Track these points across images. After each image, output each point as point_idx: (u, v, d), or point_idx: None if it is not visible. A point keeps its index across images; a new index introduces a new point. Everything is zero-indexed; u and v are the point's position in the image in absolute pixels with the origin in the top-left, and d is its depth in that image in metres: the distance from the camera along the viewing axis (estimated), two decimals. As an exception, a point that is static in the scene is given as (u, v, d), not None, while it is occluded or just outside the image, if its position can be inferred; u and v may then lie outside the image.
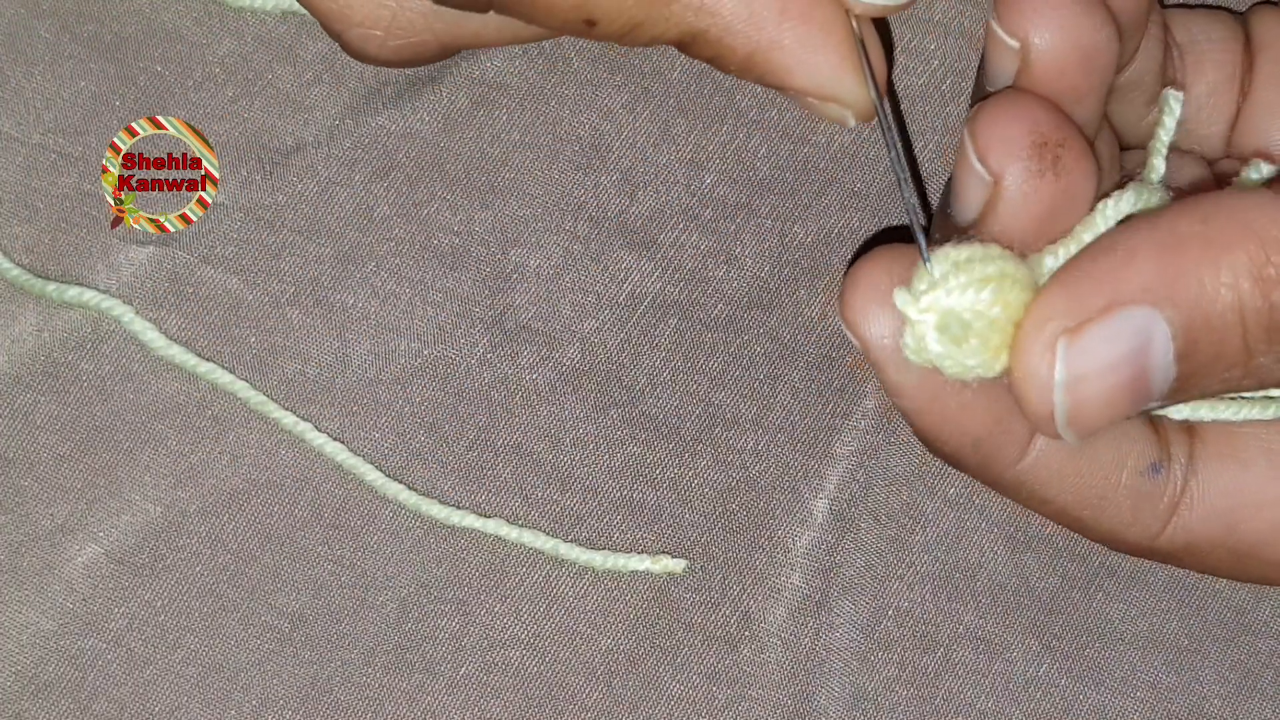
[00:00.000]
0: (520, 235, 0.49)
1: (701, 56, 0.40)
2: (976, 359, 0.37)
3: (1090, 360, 0.36)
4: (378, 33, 0.42)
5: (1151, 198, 0.38)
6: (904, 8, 0.38)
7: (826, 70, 0.39)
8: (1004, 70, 0.39)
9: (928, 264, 0.37)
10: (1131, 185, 0.39)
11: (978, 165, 0.38)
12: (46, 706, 0.48)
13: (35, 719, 0.48)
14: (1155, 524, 0.41)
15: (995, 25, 0.39)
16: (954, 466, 0.42)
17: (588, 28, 0.39)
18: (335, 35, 0.42)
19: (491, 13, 0.39)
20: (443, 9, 0.40)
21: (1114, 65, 0.40)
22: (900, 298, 0.37)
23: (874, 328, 0.39)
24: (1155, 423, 0.41)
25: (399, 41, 0.42)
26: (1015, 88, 0.39)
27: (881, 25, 0.48)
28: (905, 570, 0.49)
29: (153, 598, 0.48)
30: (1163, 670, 0.49)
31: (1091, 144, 0.39)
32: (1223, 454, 0.41)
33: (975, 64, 0.48)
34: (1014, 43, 0.39)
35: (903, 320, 0.37)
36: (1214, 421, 0.41)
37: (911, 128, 0.49)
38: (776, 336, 0.49)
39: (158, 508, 0.48)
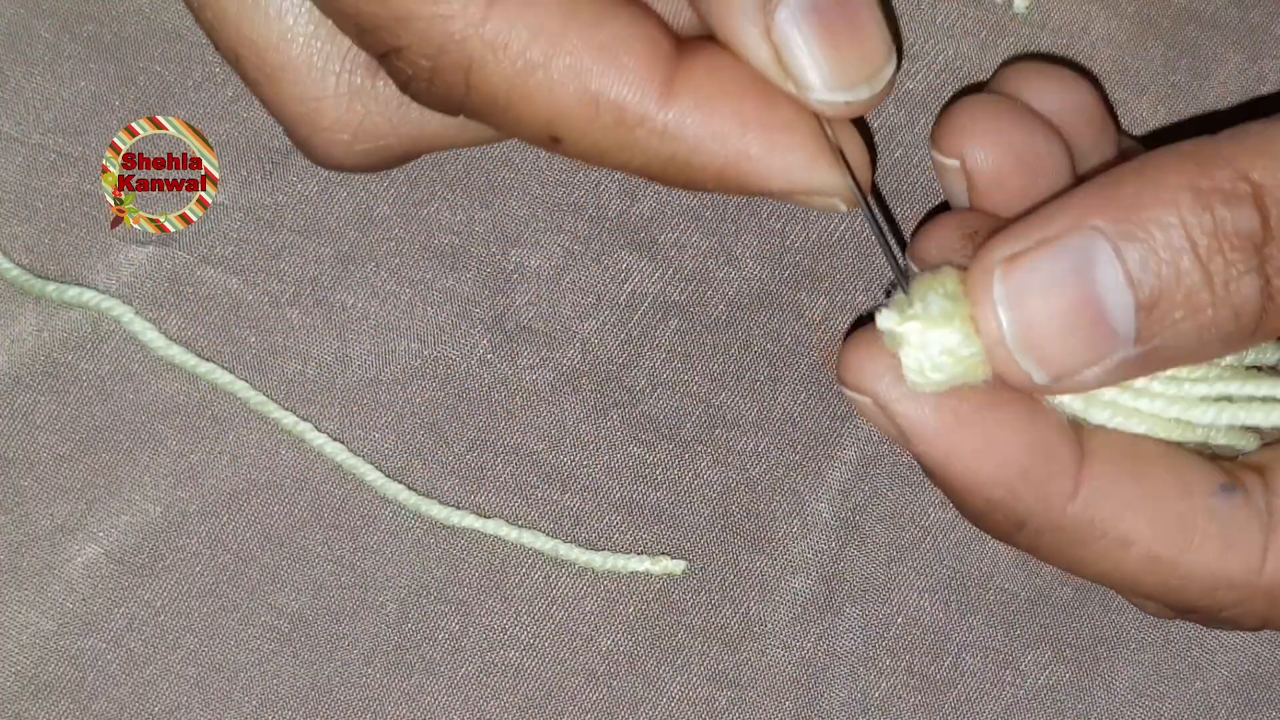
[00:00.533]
0: (521, 235, 0.48)
1: (676, 183, 0.39)
2: (975, 343, 0.37)
3: (1030, 279, 0.36)
4: (345, 136, 0.41)
5: None
6: (872, 106, 0.38)
7: (799, 169, 0.39)
8: (955, 188, 0.42)
9: (904, 283, 0.39)
10: None
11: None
12: (46, 706, 0.48)
13: (35, 719, 0.48)
14: (1254, 548, 0.39)
15: (933, 150, 0.41)
16: (1011, 528, 0.39)
17: (553, 143, 0.39)
18: (301, 140, 0.42)
19: (461, 116, 0.39)
20: (409, 111, 0.40)
21: (1064, 168, 0.41)
22: (884, 317, 0.38)
23: (877, 377, 0.39)
24: (1218, 460, 0.40)
25: (365, 145, 0.41)
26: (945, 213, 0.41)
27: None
28: (915, 577, 0.49)
29: (152, 598, 0.48)
30: (1173, 679, 0.48)
31: None
32: None
33: (977, 67, 0.48)
34: (952, 162, 0.41)
35: (898, 351, 0.38)
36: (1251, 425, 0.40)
37: (913, 134, 0.48)
38: (778, 337, 0.49)
39: (157, 508, 0.48)
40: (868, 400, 0.39)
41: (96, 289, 0.48)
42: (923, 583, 0.49)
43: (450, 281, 0.48)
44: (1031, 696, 0.48)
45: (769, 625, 0.48)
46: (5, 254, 0.48)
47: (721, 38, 0.38)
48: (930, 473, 0.39)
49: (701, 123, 0.38)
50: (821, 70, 0.37)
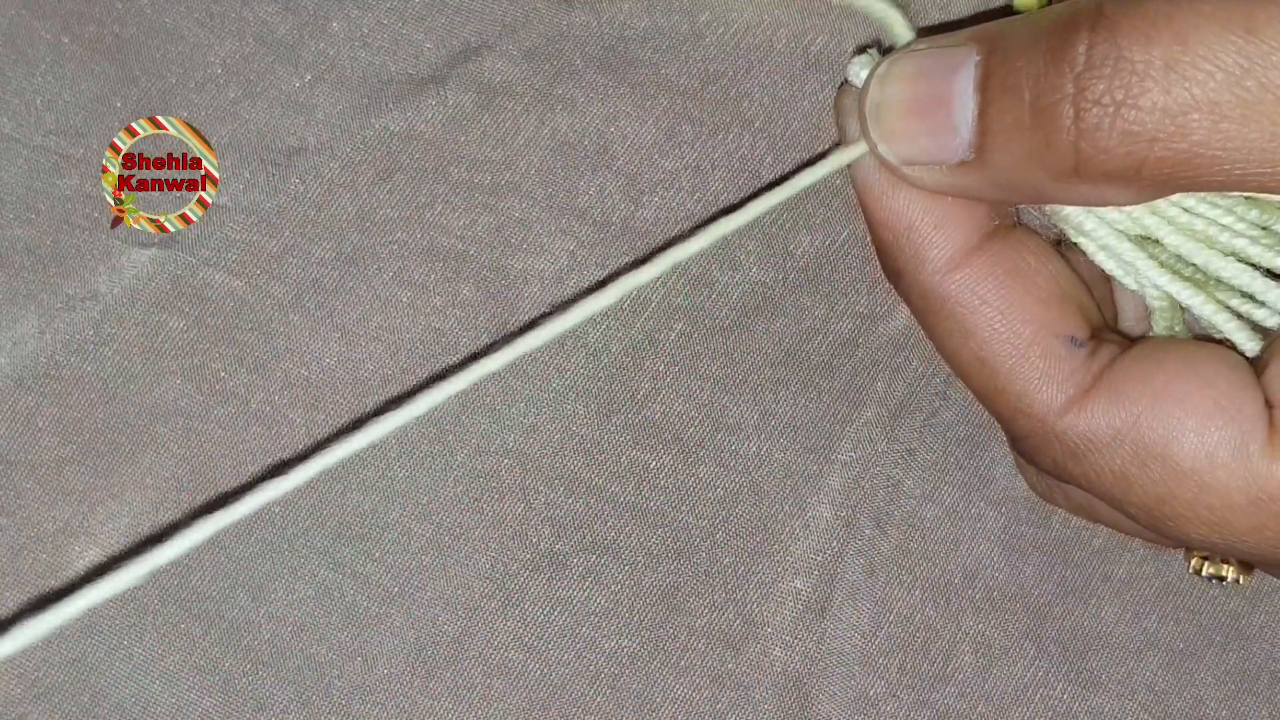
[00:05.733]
0: (524, 239, 0.48)
1: None
2: None
3: (902, 67, 0.40)
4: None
5: None
6: None
7: None
8: None
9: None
10: None
11: None
12: (49, 709, 0.48)
13: (37, 722, 0.48)
14: (1061, 395, 0.41)
15: None
16: (892, 275, 0.43)
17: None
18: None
19: None
20: None
21: None
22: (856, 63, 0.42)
23: (846, 113, 0.43)
24: (1097, 334, 0.42)
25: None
26: None
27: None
28: (906, 576, 0.49)
29: (154, 602, 0.48)
30: (1159, 673, 0.49)
31: None
32: (1143, 355, 0.41)
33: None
34: None
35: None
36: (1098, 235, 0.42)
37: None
38: (780, 342, 0.49)
39: (159, 511, 0.48)
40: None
41: (100, 292, 0.48)
42: (915, 581, 0.49)
43: (454, 285, 0.48)
44: (1020, 691, 0.49)
45: (771, 626, 0.48)
46: (4, 255, 0.47)
47: None
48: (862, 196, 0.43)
49: None
50: None
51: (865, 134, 0.41)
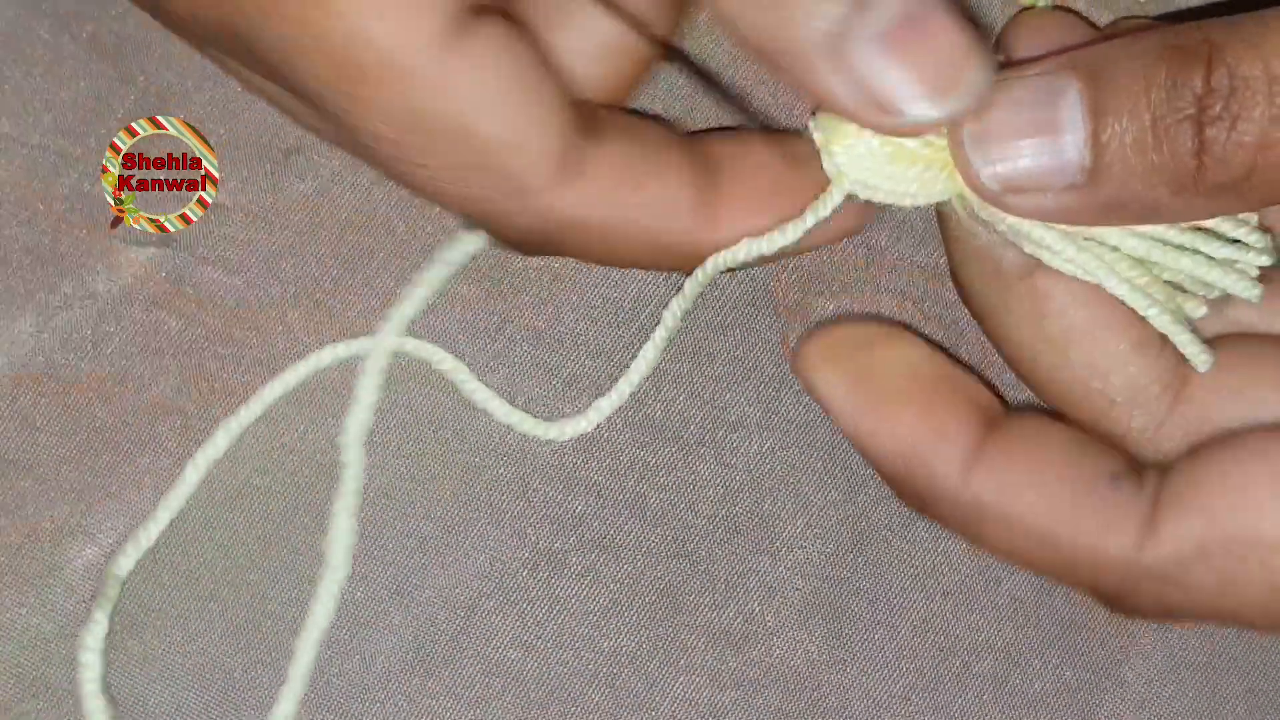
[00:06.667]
0: (522, 235, 0.48)
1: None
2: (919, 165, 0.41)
3: (1000, 96, 0.39)
4: None
5: None
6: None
7: None
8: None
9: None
10: None
11: None
12: (47, 708, 0.48)
13: (37, 721, 0.48)
14: (1131, 533, 0.40)
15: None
16: (917, 505, 0.43)
17: None
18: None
19: None
20: None
21: None
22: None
23: (808, 362, 0.44)
24: (1126, 454, 0.42)
25: None
26: None
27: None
28: (924, 579, 0.48)
29: (151, 600, 0.48)
30: (1185, 684, 0.48)
31: None
32: (1192, 461, 0.41)
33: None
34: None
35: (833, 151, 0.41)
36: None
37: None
38: (783, 339, 0.48)
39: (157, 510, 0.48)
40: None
41: (98, 291, 0.48)
42: (931, 585, 0.48)
43: (453, 283, 0.48)
44: (1040, 699, 0.48)
45: (773, 626, 0.48)
46: (4, 254, 0.48)
47: (803, 88, 0.39)
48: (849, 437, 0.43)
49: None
50: (911, 89, 0.38)
51: (961, 162, 0.40)
